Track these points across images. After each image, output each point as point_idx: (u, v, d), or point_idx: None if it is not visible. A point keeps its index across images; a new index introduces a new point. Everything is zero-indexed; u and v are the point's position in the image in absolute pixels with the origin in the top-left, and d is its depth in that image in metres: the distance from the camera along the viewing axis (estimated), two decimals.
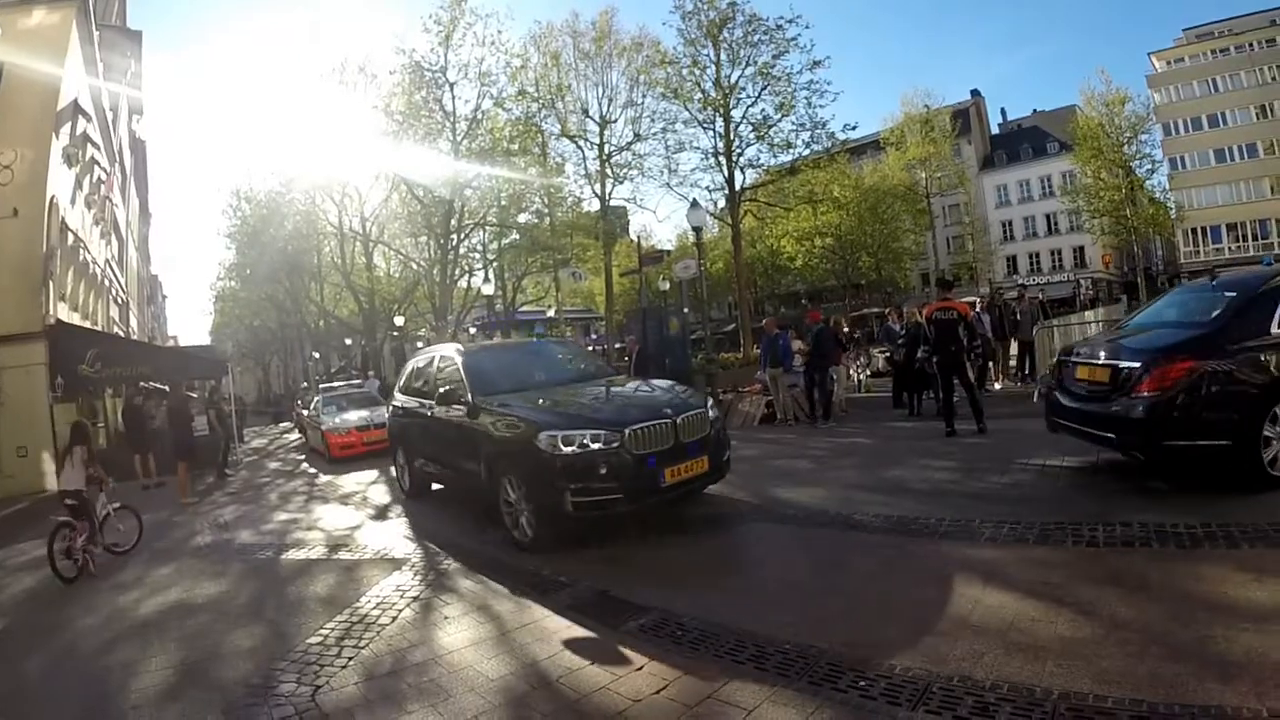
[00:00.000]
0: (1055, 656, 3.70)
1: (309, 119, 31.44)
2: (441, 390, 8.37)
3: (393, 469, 11.00)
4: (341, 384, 25.98)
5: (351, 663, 4.55)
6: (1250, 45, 57.17)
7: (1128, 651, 3.67)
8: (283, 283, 40.69)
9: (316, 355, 50.32)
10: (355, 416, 17.40)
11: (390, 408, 10.84)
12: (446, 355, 9.08)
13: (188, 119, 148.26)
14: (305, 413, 22.66)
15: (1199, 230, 57.91)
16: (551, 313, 39.52)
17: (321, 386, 23.55)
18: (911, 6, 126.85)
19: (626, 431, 6.44)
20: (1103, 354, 6.79)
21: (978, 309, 15.07)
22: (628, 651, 4.31)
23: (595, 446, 6.35)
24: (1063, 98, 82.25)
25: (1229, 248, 56.53)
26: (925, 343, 11.25)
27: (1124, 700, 3.23)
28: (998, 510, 6.34)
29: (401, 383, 10.35)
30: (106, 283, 24.98)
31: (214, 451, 16.33)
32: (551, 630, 4.77)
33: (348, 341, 46.06)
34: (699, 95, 29.67)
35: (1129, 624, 3.97)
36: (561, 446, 6.36)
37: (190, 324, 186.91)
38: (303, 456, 19.62)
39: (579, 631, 4.70)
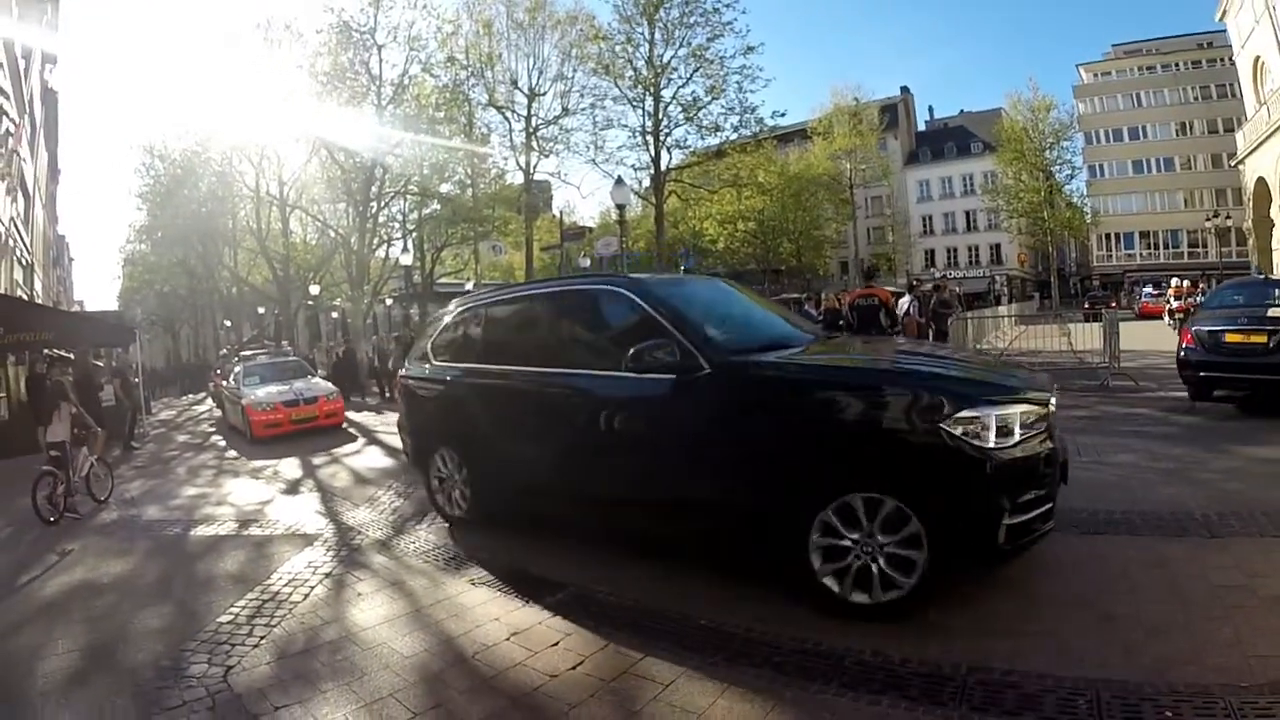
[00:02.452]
0: (966, 634, 3.83)
1: (231, 75, 30.22)
2: (597, 347, 5.33)
3: (430, 486, 6.84)
4: (264, 351, 23.31)
5: (263, 642, 4.41)
6: (1176, 65, 60.99)
7: (1036, 629, 3.84)
8: (195, 247, 39.27)
9: (228, 324, 48.76)
10: (282, 389, 15.26)
11: (410, 381, 7.10)
12: (600, 291, 5.70)
13: (103, 70, 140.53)
14: (224, 384, 19.09)
15: (1112, 236, 61.36)
16: (470, 285, 39.05)
17: (243, 354, 20.50)
18: (847, 4, 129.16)
19: (1052, 406, 4.31)
20: (1262, 325, 9.06)
21: (908, 296, 15.63)
22: (543, 627, 4.30)
23: (1021, 433, 3.95)
24: (990, 100, 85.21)
25: (1140, 254, 60.28)
26: (848, 327, 11.63)
27: (1031, 674, 3.37)
28: None
29: (441, 338, 6.88)
30: (10, 243, 23.58)
31: (120, 423, 15.44)
32: (466, 606, 4.72)
33: (260, 310, 44.71)
34: (630, 73, 29.62)
35: (1042, 602, 4.18)
36: (992, 434, 3.86)
37: (98, 289, 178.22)
38: (216, 432, 17.83)
39: (494, 608, 4.65)
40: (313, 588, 5.33)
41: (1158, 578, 4.31)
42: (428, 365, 6.90)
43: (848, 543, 4.05)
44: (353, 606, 4.92)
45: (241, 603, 5.12)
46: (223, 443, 15.42)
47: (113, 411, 15.49)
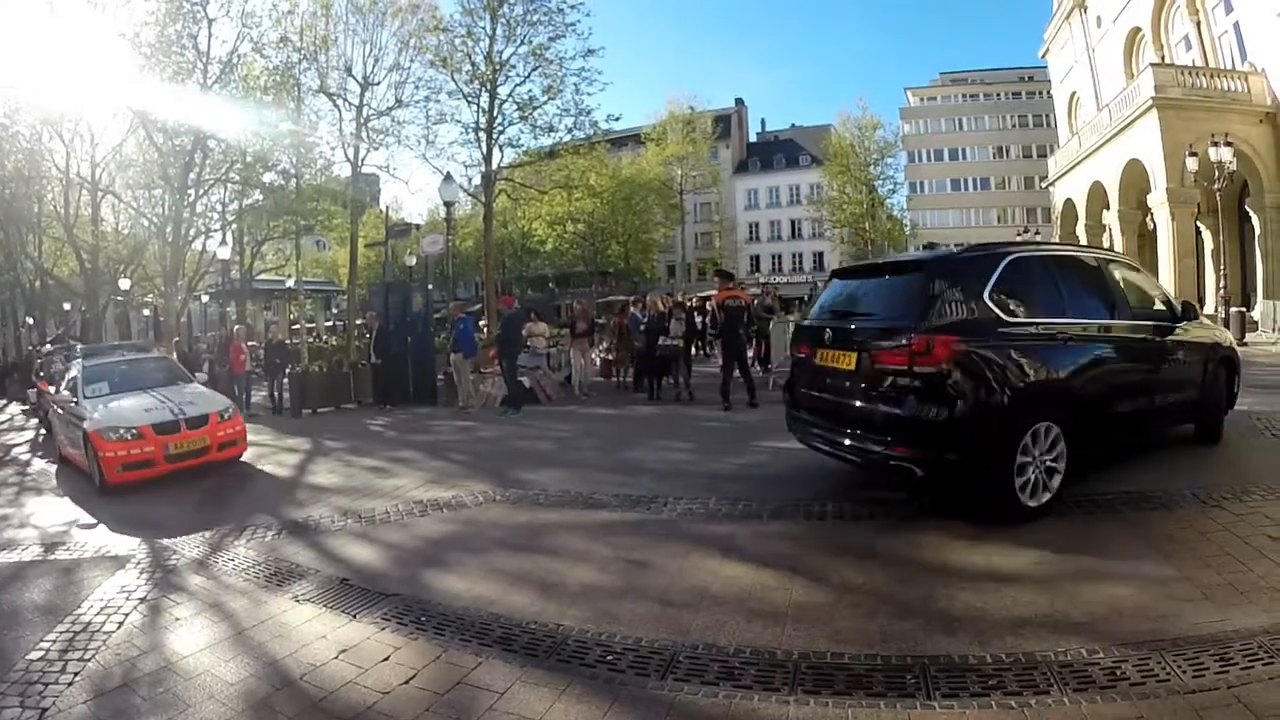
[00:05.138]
0: (793, 621, 4.11)
1: (48, 38, 27.54)
2: (1137, 302, 7.06)
3: (1009, 476, 5.41)
4: (112, 347, 15.63)
5: (78, 678, 4.12)
6: (998, 95, 68.23)
7: (859, 612, 4.17)
8: None
9: (30, 321, 44.63)
10: (151, 404, 9.94)
11: (983, 350, 5.44)
12: (1124, 263, 7.54)
13: None
14: (54, 393, 12.83)
15: (930, 247, 66.04)
16: (291, 283, 37.35)
17: (82, 350, 13.77)
18: (691, 15, 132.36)
19: None
20: None
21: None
22: (372, 642, 4.27)
23: None
24: (821, 117, 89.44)
25: None
26: (713, 326, 12.58)
27: (859, 656, 3.66)
28: (733, 488, 6.93)
29: (1008, 288, 5.74)
30: None
31: None
32: (291, 625, 4.62)
33: (66, 306, 41.15)
34: (468, 67, 28.95)
35: (858, 588, 4.51)
36: None
37: None
38: (42, 455, 13.33)
39: (320, 625, 4.57)
40: (127, 615, 5.03)
41: (964, 558, 4.76)
42: (1003, 325, 5.60)
43: None
44: (171, 633, 4.71)
45: (52, 636, 4.75)
46: (47, 478, 11.11)
47: None
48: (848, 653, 3.71)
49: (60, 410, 11.35)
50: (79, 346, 15.46)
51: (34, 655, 4.52)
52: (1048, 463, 5.56)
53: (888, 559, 4.95)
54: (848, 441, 5.95)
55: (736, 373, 11.90)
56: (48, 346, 29.01)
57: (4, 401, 28.47)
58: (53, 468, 11.45)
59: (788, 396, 7.07)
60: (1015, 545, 4.96)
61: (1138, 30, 29.23)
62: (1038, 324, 5.77)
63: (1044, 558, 4.75)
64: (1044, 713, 3.13)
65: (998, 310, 5.58)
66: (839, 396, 6.08)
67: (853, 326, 6.16)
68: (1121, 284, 6.78)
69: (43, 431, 16.19)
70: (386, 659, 4.07)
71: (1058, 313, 5.98)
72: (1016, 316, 5.68)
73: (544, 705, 3.49)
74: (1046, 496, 5.56)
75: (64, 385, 11.68)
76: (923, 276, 5.90)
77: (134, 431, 9.24)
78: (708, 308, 16.72)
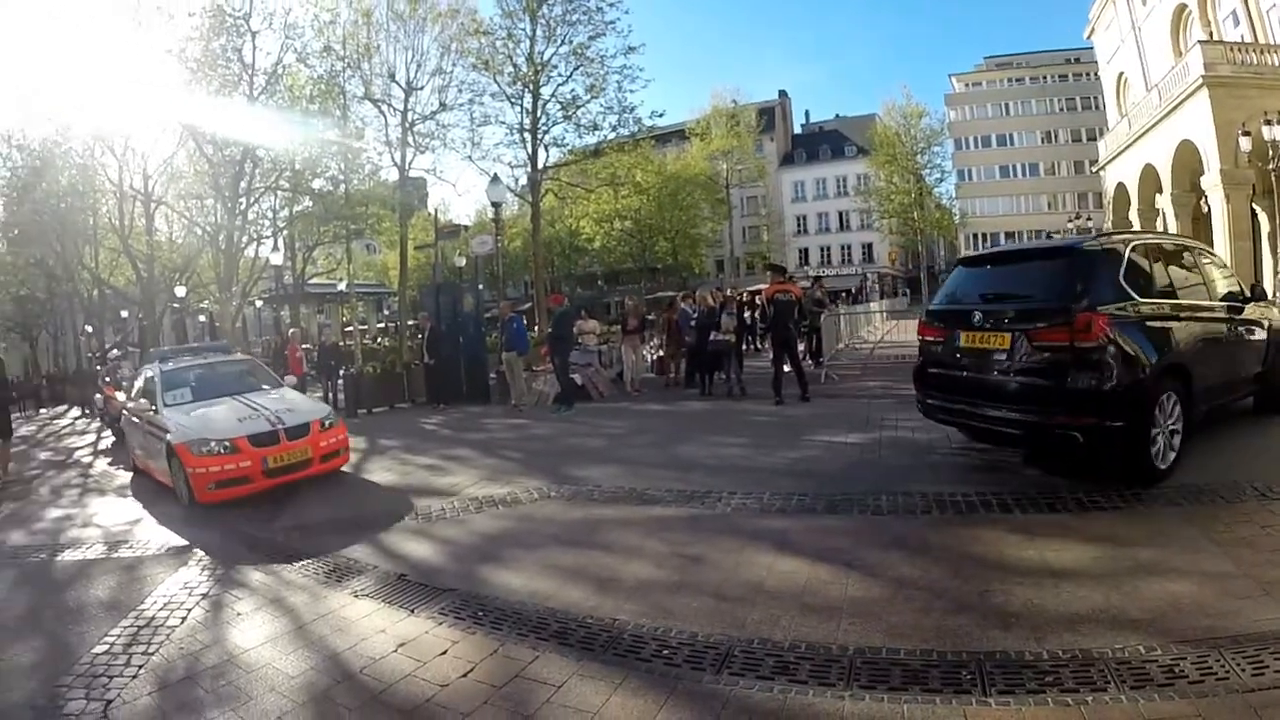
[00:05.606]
0: (848, 616, 4.05)
1: (96, 58, 28.23)
2: (1217, 284, 7.40)
3: (1142, 444, 5.83)
4: (190, 349, 13.61)
5: (142, 671, 4.21)
6: (1044, 78, 66.96)
7: (914, 607, 4.10)
8: (54, 246, 36.71)
9: (89, 329, 45.85)
10: (244, 412, 8.84)
11: (1122, 328, 5.86)
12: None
13: None
14: (123, 400, 12.69)
15: (980, 236, 65.79)
16: (343, 286, 37.89)
17: (157, 353, 12.53)
18: (730, 9, 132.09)
19: None
20: None
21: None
22: (430, 636, 4.29)
23: None
24: (865, 106, 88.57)
25: None
26: (763, 319, 12.46)
27: (915, 651, 3.59)
28: (786, 483, 6.84)
29: (1135, 270, 6.33)
30: None
31: None
32: (350, 620, 4.66)
33: (124, 314, 42.15)
34: (510, 69, 29.26)
35: (914, 582, 4.43)
36: None
37: None
38: (111, 465, 12.96)
39: (379, 619, 4.61)
40: (190, 610, 5.13)
41: (1020, 553, 4.68)
42: (1135, 304, 6.09)
43: None
44: (233, 627, 4.78)
45: (116, 631, 4.86)
46: (110, 479, 11.44)
47: None
48: (903, 648, 3.66)
49: (136, 419, 10.30)
50: (150, 350, 15.37)
51: (99, 649, 4.62)
52: (1167, 430, 6.00)
53: (943, 553, 4.88)
54: (1005, 414, 6.27)
55: (788, 367, 11.81)
56: (115, 351, 29.55)
57: (65, 407, 29.20)
58: (122, 473, 11.61)
59: (918, 382, 7.23)
60: (1071, 539, 4.86)
61: (1184, 7, 28.30)
62: (1159, 303, 6.30)
63: (1100, 552, 4.63)
64: (1101, 710, 3.04)
65: (1131, 291, 6.07)
66: (992, 374, 6.37)
67: (1004, 309, 6.39)
68: (1209, 268, 7.34)
69: (105, 434, 16.79)
70: (445, 652, 4.09)
71: (1171, 294, 6.55)
72: (1144, 297, 6.15)
73: (600, 699, 3.47)
74: (1172, 456, 6.01)
75: (137, 392, 10.73)
76: (1068, 263, 6.35)
77: (227, 444, 8.17)
78: (757, 302, 16.71)
